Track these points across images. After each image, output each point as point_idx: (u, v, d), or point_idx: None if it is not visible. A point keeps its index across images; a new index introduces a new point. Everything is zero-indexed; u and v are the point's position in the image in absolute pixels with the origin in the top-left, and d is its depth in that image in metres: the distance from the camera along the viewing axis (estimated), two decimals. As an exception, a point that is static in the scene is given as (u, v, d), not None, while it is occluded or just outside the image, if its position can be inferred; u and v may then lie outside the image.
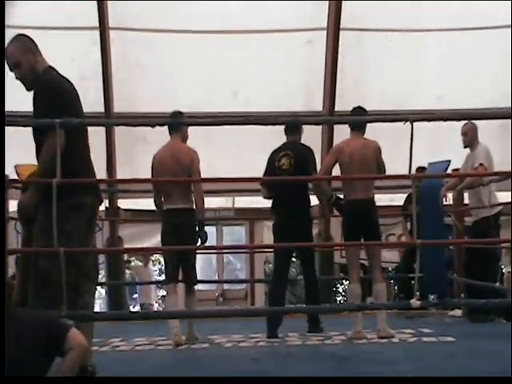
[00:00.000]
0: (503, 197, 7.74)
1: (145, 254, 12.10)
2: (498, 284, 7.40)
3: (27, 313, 3.45)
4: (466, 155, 7.26)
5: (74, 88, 4.25)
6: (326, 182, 6.54)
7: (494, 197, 7.18)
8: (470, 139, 7.19)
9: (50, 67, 4.23)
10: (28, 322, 3.20)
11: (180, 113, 6.36)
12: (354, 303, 5.99)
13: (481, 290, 6.80)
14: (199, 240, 6.07)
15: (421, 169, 7.74)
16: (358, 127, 6.13)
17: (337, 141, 10.60)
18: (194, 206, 6.13)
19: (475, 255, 7.12)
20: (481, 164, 6.94)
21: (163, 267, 6.67)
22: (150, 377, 3.51)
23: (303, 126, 6.80)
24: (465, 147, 7.28)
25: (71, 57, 10.41)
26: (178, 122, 6.27)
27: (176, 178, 6.08)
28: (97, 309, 18.79)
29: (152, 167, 6.23)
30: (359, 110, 6.24)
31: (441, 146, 10.00)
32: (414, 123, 4.92)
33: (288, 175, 6.39)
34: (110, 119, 10.26)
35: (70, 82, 4.25)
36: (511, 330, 5.43)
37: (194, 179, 6.10)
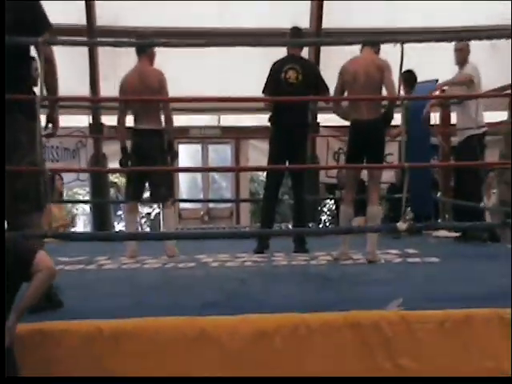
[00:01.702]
0: (489, 117, 7.65)
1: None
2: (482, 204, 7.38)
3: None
4: (456, 74, 7.15)
5: None
6: (339, 105, 6.26)
7: (481, 116, 7.10)
8: (464, 56, 7.04)
9: None
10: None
11: (145, 34, 6.41)
12: (343, 225, 5.95)
13: (468, 211, 6.83)
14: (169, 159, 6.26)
15: (408, 72, 7.62)
16: (369, 43, 5.96)
17: (323, 58, 10.55)
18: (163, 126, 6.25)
19: (462, 175, 7.12)
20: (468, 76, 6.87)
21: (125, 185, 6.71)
22: (150, 377, 3.51)
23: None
24: (457, 64, 7.14)
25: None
26: (156, 43, 6.21)
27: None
28: (81, 225, 18.86)
29: (120, 90, 6.27)
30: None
31: (429, 62, 9.87)
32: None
33: (294, 88, 6.39)
34: (92, 39, 10.00)
35: None
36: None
37: (165, 98, 6.22)
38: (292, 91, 6.38)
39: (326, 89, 6.49)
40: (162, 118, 6.27)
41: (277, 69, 6.54)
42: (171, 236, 6.31)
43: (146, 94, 6.10)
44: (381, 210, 6.01)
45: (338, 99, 6.11)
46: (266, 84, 6.57)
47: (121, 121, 6.34)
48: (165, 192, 6.34)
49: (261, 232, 6.74)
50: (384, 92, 5.85)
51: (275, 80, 6.49)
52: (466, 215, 6.77)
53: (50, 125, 4.25)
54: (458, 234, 7.33)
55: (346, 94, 5.96)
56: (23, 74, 3.98)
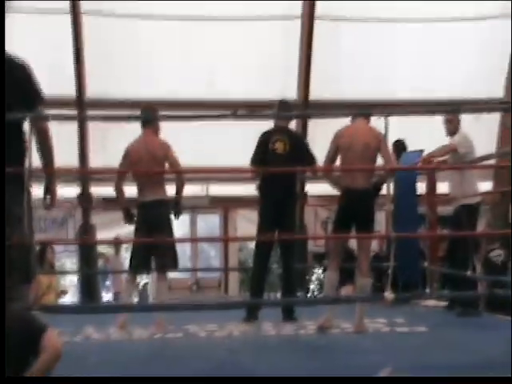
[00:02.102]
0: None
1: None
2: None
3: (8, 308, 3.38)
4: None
5: None
6: (330, 173, 6.20)
7: (475, 185, 7.03)
8: (454, 127, 6.91)
9: None
10: (7, 317, 3.13)
11: (151, 107, 6.38)
12: (329, 293, 5.94)
13: (461, 280, 6.81)
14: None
15: (397, 142, 7.71)
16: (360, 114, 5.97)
17: (311, 130, 10.72)
18: (168, 196, 6.25)
19: (454, 244, 7.10)
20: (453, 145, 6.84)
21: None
22: (150, 377, 3.48)
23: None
24: (447, 135, 7.01)
25: (43, 41, 10.34)
26: (152, 117, 6.22)
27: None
28: (70, 296, 18.71)
29: (125, 158, 6.26)
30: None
31: (415, 132, 10.05)
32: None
33: (283, 159, 6.44)
34: (82, 114, 10.13)
35: None
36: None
37: (173, 170, 6.22)
38: (280, 162, 6.45)
39: (314, 160, 6.55)
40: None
41: (265, 140, 6.61)
42: (161, 308, 6.25)
43: (151, 165, 6.13)
44: (370, 282, 5.97)
45: (329, 169, 6.06)
46: (253, 155, 6.63)
47: (118, 185, 6.28)
48: (171, 262, 6.31)
49: (250, 302, 6.72)
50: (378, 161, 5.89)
51: (263, 151, 6.55)
52: (458, 284, 6.76)
53: (48, 196, 4.29)
54: (446, 303, 7.30)
55: (338, 159, 5.91)
56: (17, 146, 4.03)
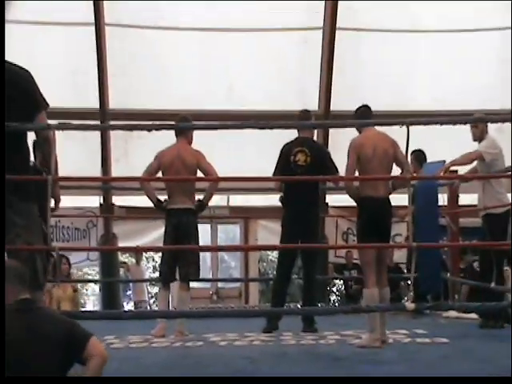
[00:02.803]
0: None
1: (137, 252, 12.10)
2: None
3: (52, 313, 3.42)
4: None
5: None
6: (351, 183, 5.97)
7: (504, 194, 6.87)
8: (480, 132, 6.78)
9: None
10: (53, 321, 3.17)
11: (186, 117, 6.41)
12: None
13: (485, 292, 6.73)
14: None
15: (417, 152, 7.66)
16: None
17: (332, 139, 10.71)
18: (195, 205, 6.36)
19: (484, 255, 7.00)
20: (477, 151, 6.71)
21: (158, 264, 6.74)
22: (149, 377, 3.49)
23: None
24: (474, 140, 6.87)
25: (66, 52, 10.45)
26: (181, 126, 6.25)
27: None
28: (91, 305, 18.79)
29: (154, 166, 6.33)
30: (364, 109, 6.03)
31: (438, 143, 10.00)
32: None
33: (304, 171, 6.43)
34: (105, 123, 10.19)
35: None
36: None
37: (199, 178, 6.35)
38: (301, 173, 6.44)
39: (336, 170, 6.55)
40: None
41: (286, 151, 6.62)
42: (182, 314, 6.27)
43: (182, 173, 6.21)
44: (389, 291, 5.89)
45: (352, 179, 5.89)
46: (276, 166, 6.64)
47: (144, 182, 6.42)
48: (191, 272, 6.36)
49: (271, 311, 6.71)
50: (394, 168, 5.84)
51: (285, 162, 6.56)
52: (486, 297, 6.66)
53: (52, 201, 4.34)
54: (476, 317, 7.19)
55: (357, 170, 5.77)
56: (19, 155, 4.04)
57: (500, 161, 6.79)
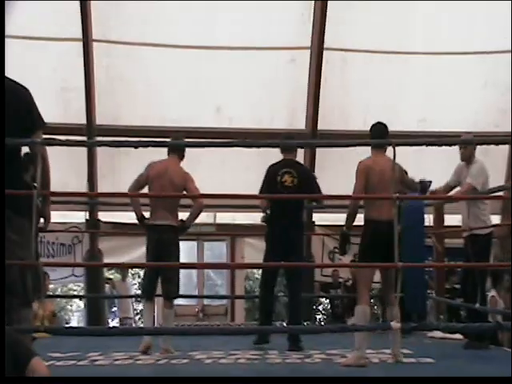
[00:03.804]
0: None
1: (123, 268, 12.07)
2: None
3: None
4: (460, 166, 6.94)
5: None
6: (357, 205, 5.90)
7: (487, 216, 6.87)
8: (469, 153, 6.80)
9: None
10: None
11: (181, 136, 6.48)
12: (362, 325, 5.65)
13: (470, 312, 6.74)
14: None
15: (423, 182, 7.67)
16: (380, 145, 5.84)
17: (318, 160, 10.75)
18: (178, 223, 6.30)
19: (466, 275, 7.03)
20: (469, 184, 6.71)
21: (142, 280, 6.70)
22: (149, 377, 3.45)
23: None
24: (462, 161, 6.91)
25: (53, 68, 10.45)
26: (168, 143, 6.24)
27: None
28: (76, 322, 18.67)
29: (144, 177, 6.31)
30: (379, 127, 6.01)
31: (424, 163, 10.06)
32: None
33: (290, 192, 6.49)
34: (92, 139, 10.15)
35: None
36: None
37: (184, 195, 6.32)
38: (288, 195, 6.51)
39: (321, 193, 6.65)
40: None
41: (273, 172, 6.64)
42: (167, 331, 6.25)
43: (168, 189, 6.17)
44: (397, 310, 5.86)
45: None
46: (262, 186, 6.67)
47: (131, 195, 6.39)
48: (173, 289, 6.32)
49: (257, 329, 6.71)
50: None
51: (271, 183, 6.58)
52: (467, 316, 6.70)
53: (42, 219, 4.31)
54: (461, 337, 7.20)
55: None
56: (14, 172, 4.04)
57: (487, 185, 6.81)
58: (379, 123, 6.05)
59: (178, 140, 6.38)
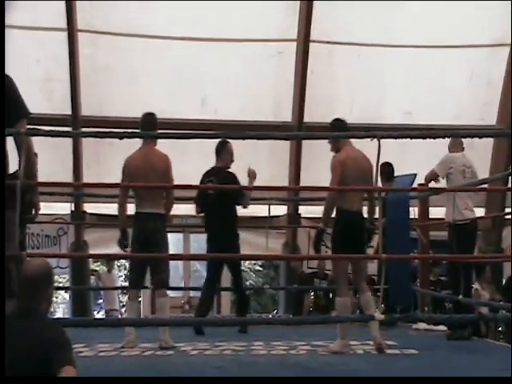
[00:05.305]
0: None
1: (109, 259, 12.03)
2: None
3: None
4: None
5: None
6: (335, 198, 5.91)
7: (470, 207, 6.93)
8: (451, 144, 6.98)
9: None
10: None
11: (152, 114, 6.34)
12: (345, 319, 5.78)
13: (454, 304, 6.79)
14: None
15: (386, 164, 7.69)
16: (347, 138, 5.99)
17: (305, 152, 10.76)
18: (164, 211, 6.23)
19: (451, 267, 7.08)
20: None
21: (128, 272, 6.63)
22: (149, 377, 3.45)
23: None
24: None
25: (37, 58, 10.40)
26: (147, 135, 6.15)
27: (149, 183, 6.06)
28: (61, 313, 18.62)
29: (124, 171, 6.20)
30: (337, 122, 6.15)
31: (408, 157, 10.11)
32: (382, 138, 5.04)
33: (213, 199, 7.11)
34: (77, 130, 10.04)
35: None
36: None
37: (167, 185, 6.17)
38: (212, 202, 7.12)
39: (243, 195, 7.26)
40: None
41: (202, 181, 7.25)
42: (152, 323, 6.25)
43: (151, 177, 6.02)
44: (370, 296, 5.97)
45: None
46: (197, 193, 7.33)
47: (121, 202, 6.23)
48: (165, 278, 6.25)
49: (242, 320, 6.82)
50: None
51: (201, 191, 7.27)
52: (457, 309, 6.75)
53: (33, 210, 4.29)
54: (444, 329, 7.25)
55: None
56: None
57: (454, 173, 6.83)
58: (337, 119, 6.22)
59: (149, 121, 6.27)
